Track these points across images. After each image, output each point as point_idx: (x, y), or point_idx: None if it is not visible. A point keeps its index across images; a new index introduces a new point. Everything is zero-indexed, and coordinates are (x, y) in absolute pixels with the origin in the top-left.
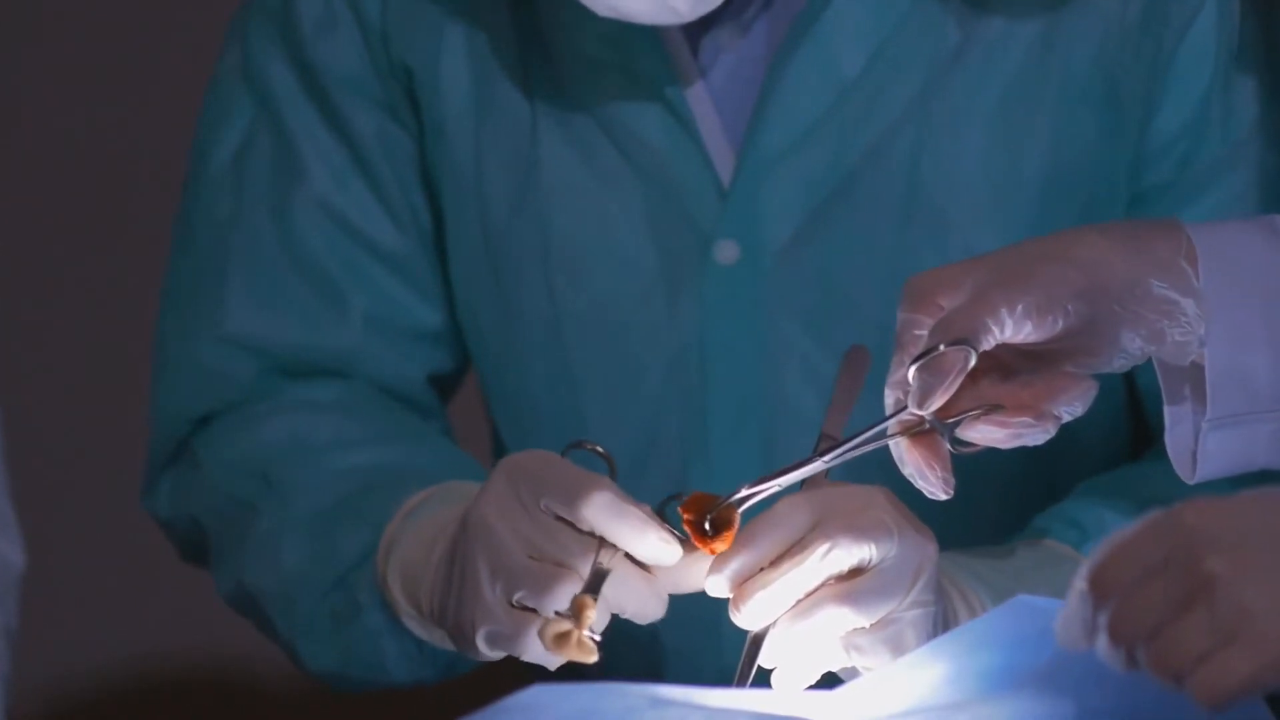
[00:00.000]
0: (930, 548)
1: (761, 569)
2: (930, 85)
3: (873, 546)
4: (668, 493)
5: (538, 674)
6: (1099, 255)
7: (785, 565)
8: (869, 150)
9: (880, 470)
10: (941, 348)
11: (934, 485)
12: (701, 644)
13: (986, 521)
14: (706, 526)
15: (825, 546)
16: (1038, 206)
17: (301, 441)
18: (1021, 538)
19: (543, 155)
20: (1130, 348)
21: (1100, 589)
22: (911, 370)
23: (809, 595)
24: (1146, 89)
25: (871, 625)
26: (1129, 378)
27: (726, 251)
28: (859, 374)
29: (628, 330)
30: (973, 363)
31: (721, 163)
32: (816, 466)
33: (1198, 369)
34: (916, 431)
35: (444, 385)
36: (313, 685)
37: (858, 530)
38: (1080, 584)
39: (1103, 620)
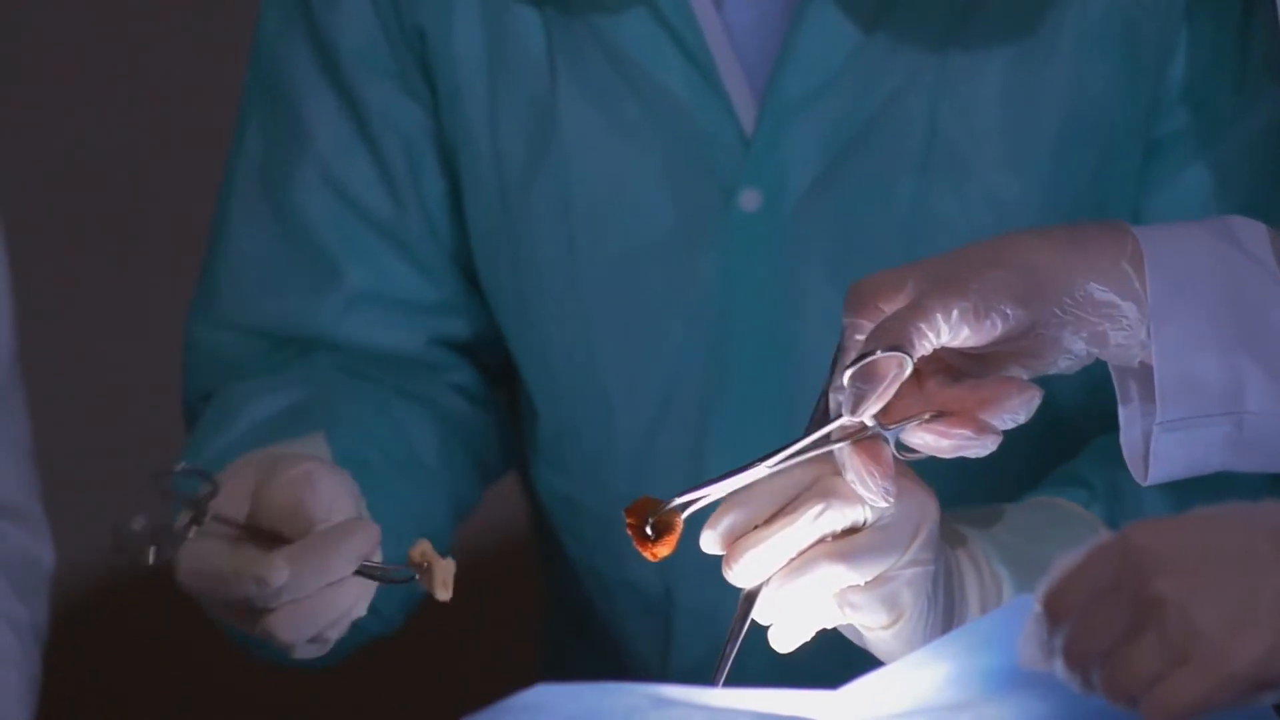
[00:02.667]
0: (931, 507)
1: (756, 526)
2: (949, 32)
3: (867, 506)
4: (689, 447)
5: (543, 674)
6: (1038, 258)
7: (778, 524)
8: (889, 97)
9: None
10: (877, 353)
11: (874, 492)
12: (714, 602)
13: (1006, 484)
14: (648, 530)
15: (819, 506)
16: (1055, 152)
17: (219, 418)
18: (1032, 495)
19: (561, 109)
20: (1074, 349)
21: (1054, 612)
22: (846, 375)
23: (803, 553)
24: (1163, 34)
25: (867, 583)
26: None
27: (749, 200)
28: None
29: (648, 283)
30: (908, 370)
31: (744, 111)
32: (759, 472)
33: (1147, 369)
34: (861, 437)
35: (464, 348)
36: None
37: (853, 490)
38: (1036, 606)
39: (1058, 643)
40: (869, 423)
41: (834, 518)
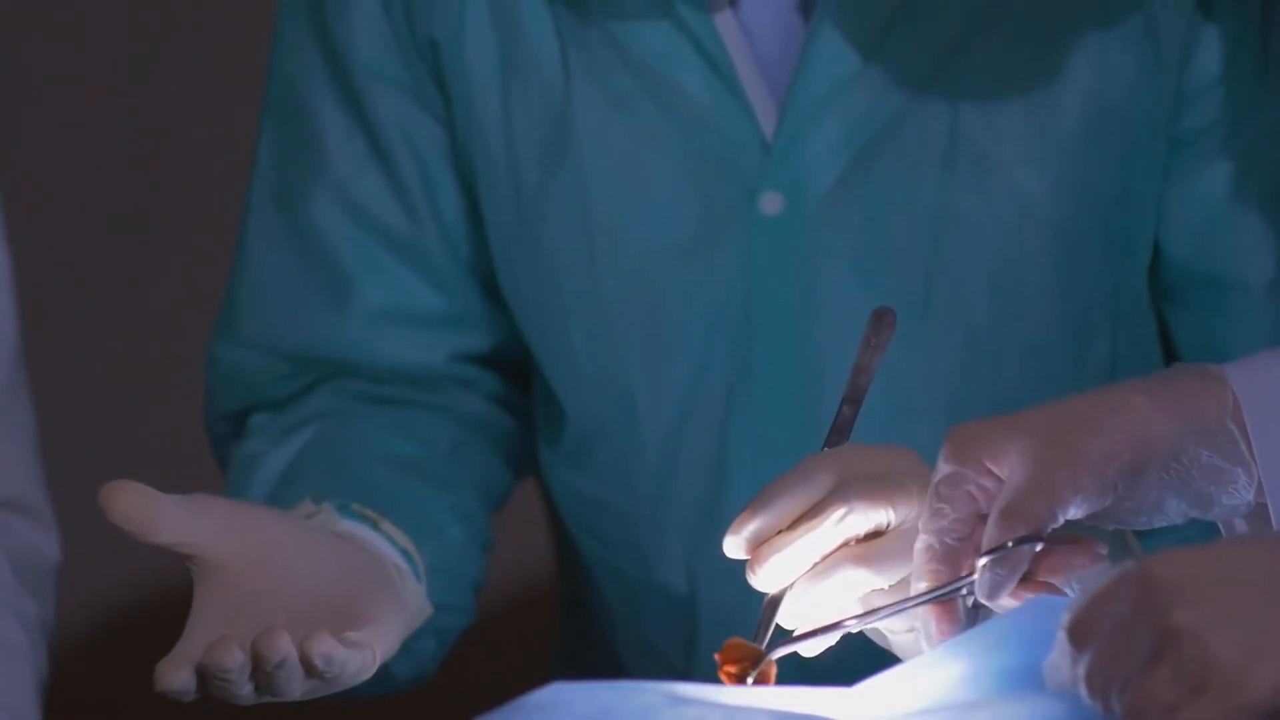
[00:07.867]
0: None
1: (780, 531)
2: (970, 27)
3: (891, 510)
4: (714, 447)
5: (559, 673)
6: (1145, 423)
7: (802, 528)
8: (909, 96)
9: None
10: (1010, 545)
11: (928, 639)
12: (737, 600)
13: None
14: (750, 681)
15: (842, 511)
16: (1079, 148)
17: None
18: None
19: (577, 113)
20: (1171, 512)
21: (1077, 639)
22: (983, 561)
23: (826, 557)
24: (1186, 28)
25: (890, 586)
26: (1163, 335)
27: (771, 202)
28: (884, 336)
29: (669, 286)
30: (1038, 548)
31: (763, 114)
32: (854, 626)
33: (1257, 510)
34: (945, 597)
35: (485, 360)
36: None
37: (876, 494)
38: (1060, 633)
39: (1081, 670)
40: (990, 604)
41: (857, 521)
